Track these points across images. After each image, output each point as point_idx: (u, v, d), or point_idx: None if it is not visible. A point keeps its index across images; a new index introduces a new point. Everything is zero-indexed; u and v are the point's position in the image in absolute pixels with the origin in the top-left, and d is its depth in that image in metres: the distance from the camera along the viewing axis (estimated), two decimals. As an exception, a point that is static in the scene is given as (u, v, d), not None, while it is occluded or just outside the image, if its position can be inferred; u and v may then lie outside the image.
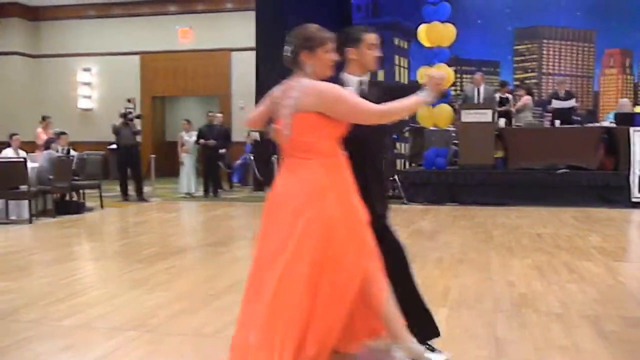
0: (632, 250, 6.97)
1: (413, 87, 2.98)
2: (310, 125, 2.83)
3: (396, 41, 14.89)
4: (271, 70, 14.82)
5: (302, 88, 2.88)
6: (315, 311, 2.72)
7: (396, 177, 11.13)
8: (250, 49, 15.53)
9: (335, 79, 3.05)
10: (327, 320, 2.75)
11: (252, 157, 13.30)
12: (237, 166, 14.84)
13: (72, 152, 10.91)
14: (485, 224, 8.38)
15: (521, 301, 4.43)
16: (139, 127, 12.35)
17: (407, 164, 13.62)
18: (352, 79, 3.14)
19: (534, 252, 6.33)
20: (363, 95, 3.00)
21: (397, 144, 14.13)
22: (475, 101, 11.46)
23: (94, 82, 18.39)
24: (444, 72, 3.04)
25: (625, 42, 14.65)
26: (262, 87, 15.02)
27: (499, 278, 5.15)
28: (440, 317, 3.67)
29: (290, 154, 2.91)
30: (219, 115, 13.87)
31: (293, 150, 2.89)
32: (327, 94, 2.84)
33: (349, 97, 2.85)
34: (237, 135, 15.09)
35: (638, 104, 13.20)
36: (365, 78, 3.18)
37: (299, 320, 2.68)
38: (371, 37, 3.14)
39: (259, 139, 13.73)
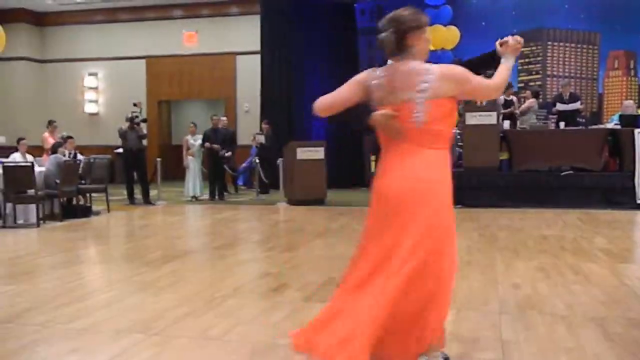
0: (638, 252, 6.96)
1: (489, 58, 3.02)
2: (445, 111, 2.78)
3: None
4: (276, 74, 14.95)
5: (434, 72, 2.77)
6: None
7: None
8: (255, 52, 15.59)
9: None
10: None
11: (257, 160, 13.31)
12: (242, 169, 14.88)
13: (79, 156, 10.97)
14: (490, 225, 8.38)
15: (526, 303, 4.44)
16: (145, 131, 12.39)
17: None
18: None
19: (539, 254, 6.33)
20: None
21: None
22: (477, 103, 11.45)
23: (100, 86, 18.46)
24: (518, 37, 2.98)
25: (630, 44, 14.63)
26: (267, 90, 15.11)
27: (504, 280, 5.16)
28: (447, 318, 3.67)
29: (419, 143, 2.77)
30: (224, 118, 13.90)
31: (421, 139, 2.76)
32: (461, 76, 2.80)
33: (470, 75, 2.83)
34: (243, 139, 15.12)
35: (643, 106, 13.18)
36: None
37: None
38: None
39: (264, 142, 13.76)
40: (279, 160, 11.65)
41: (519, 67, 15.29)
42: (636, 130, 10.17)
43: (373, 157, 14.72)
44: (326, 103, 2.91)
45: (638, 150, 10.07)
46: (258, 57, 15.43)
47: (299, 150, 11.27)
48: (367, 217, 2.89)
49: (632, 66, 14.77)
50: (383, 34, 2.84)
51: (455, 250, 2.86)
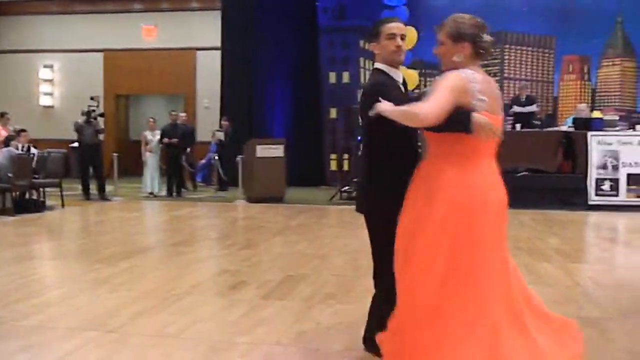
0: (590, 252, 7.14)
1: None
2: None
3: (361, 43, 14.97)
4: (237, 70, 14.87)
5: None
6: None
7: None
8: (216, 48, 15.47)
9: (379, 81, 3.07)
10: None
11: (216, 157, 13.23)
12: (201, 166, 14.75)
13: (33, 150, 10.72)
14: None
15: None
16: (102, 126, 12.18)
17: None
18: (392, 70, 3.15)
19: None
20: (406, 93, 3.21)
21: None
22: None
23: (56, 79, 18.06)
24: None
25: (584, 49, 14.97)
26: (227, 86, 15.01)
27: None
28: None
29: (491, 154, 2.86)
30: (183, 114, 13.77)
31: (492, 150, 2.87)
32: None
33: None
34: (202, 135, 14.99)
35: (595, 109, 13.51)
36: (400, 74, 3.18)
37: None
38: (389, 27, 3.08)
39: (223, 138, 13.67)
40: (238, 157, 11.59)
41: (478, 69, 15.48)
42: (589, 133, 10.42)
43: (333, 156, 14.80)
44: (438, 114, 2.60)
45: (591, 152, 10.32)
46: (218, 53, 15.32)
47: (258, 147, 11.23)
48: (475, 229, 2.71)
49: (585, 70, 15.12)
50: (489, 38, 2.88)
51: None
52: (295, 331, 3.84)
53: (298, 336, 3.74)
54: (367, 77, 13.53)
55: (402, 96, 3.08)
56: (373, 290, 3.29)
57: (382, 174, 3.07)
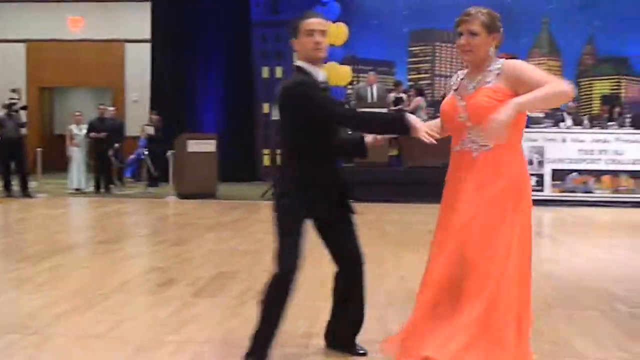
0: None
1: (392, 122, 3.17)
2: None
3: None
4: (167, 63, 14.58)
5: None
6: None
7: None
8: (146, 41, 15.12)
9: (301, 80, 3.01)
10: None
11: (146, 152, 12.93)
12: (130, 161, 14.39)
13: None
14: (380, 220, 8.57)
15: (412, 295, 4.53)
16: (24, 119, 11.71)
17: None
18: (313, 68, 3.05)
19: (425, 247, 6.45)
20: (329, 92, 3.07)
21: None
22: (369, 100, 11.70)
23: (-26, 69, 17.27)
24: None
25: (512, 48, 15.35)
26: (157, 80, 14.71)
27: (391, 273, 5.29)
28: (334, 311, 3.70)
29: None
30: (111, 108, 13.41)
31: None
32: None
33: None
34: (131, 130, 14.64)
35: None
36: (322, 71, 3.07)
37: None
38: (307, 23, 2.95)
39: (153, 133, 13.39)
40: (169, 152, 11.37)
41: (409, 66, 15.74)
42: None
43: (266, 151, 14.73)
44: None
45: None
46: (148, 45, 14.98)
47: (189, 142, 11.06)
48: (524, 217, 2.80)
49: (513, 68, 15.57)
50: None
51: None
52: (226, 328, 3.78)
53: (229, 333, 3.68)
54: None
55: (327, 96, 3.04)
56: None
57: (297, 172, 3.04)
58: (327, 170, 3.09)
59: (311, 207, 3.02)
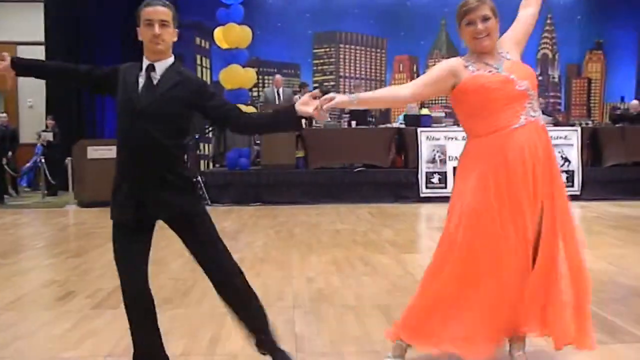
0: (420, 242, 7.51)
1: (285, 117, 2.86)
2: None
3: (198, 41, 14.71)
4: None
5: None
6: None
7: (199, 178, 10.97)
8: (39, 43, 14.44)
9: (136, 63, 2.81)
10: None
11: (43, 160, 12.36)
12: (25, 169, 13.71)
13: None
14: (287, 222, 8.55)
15: (319, 296, 4.57)
16: None
17: (209, 164, 13.52)
18: (144, 62, 2.79)
19: (332, 248, 6.56)
20: (149, 83, 2.73)
21: (200, 144, 13.98)
22: (276, 102, 11.69)
23: None
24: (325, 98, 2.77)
25: (413, 49, 15.84)
26: (53, 84, 14.06)
27: (298, 275, 5.27)
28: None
29: None
30: (3, 115, 12.73)
31: None
32: None
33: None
34: (26, 136, 13.94)
35: (424, 107, 14.30)
36: (161, 63, 2.76)
37: None
38: (147, 12, 2.72)
39: (52, 139, 12.82)
40: (67, 160, 10.90)
41: (314, 68, 15.84)
42: (419, 129, 10.98)
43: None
44: None
45: (421, 147, 10.88)
46: (42, 48, 14.32)
47: (89, 148, 10.64)
48: None
49: (415, 70, 15.99)
50: None
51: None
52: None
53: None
54: (204, 75, 13.27)
55: (150, 96, 2.72)
56: (209, 293, 3.16)
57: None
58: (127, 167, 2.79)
59: (112, 210, 2.86)
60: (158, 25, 2.71)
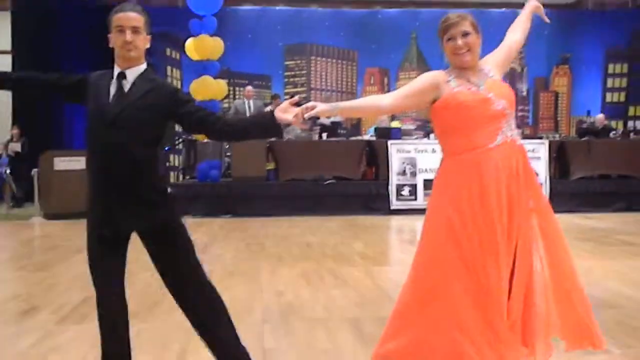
0: (391, 255, 7.52)
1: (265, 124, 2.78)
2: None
3: (168, 51, 14.62)
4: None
5: None
6: None
7: (169, 190, 10.86)
8: (6, 52, 14.21)
9: (107, 71, 2.74)
10: None
11: (8, 172, 12.13)
12: (-10, 182, 13.44)
13: None
14: (258, 235, 8.50)
15: (288, 309, 4.53)
16: None
17: (180, 176, 13.41)
18: (115, 70, 2.72)
19: (302, 260, 6.53)
20: (120, 91, 2.67)
21: (170, 156, 13.87)
22: (247, 114, 11.65)
23: None
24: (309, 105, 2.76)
25: (383, 62, 15.95)
26: (20, 94, 13.82)
27: (268, 288, 5.23)
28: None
29: None
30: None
31: None
32: None
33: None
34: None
35: (395, 119, 14.41)
36: (132, 71, 2.70)
37: None
38: (117, 18, 2.66)
39: (20, 150, 12.60)
40: (34, 171, 10.71)
41: (285, 80, 15.85)
42: (389, 142, 11.03)
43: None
44: None
45: (391, 159, 10.92)
46: (9, 57, 14.09)
47: (56, 160, 10.48)
48: None
49: (385, 82, 16.10)
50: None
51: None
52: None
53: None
54: (173, 83, 13.16)
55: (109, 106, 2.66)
56: (177, 306, 3.08)
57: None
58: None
59: (88, 224, 2.80)
60: (130, 32, 2.64)
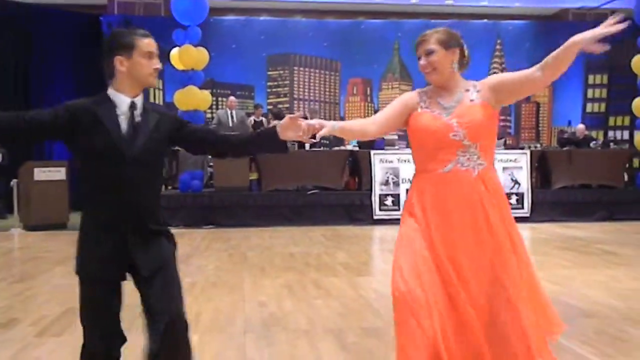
0: (373, 265, 7.51)
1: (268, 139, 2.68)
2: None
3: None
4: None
5: None
6: None
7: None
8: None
9: (101, 99, 2.52)
10: None
11: (-12, 182, 11.99)
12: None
13: None
14: (240, 245, 8.46)
15: (271, 320, 4.51)
16: None
17: (162, 187, 13.33)
18: (121, 98, 2.52)
19: (285, 271, 6.51)
20: (135, 124, 2.50)
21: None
22: (230, 124, 11.63)
23: None
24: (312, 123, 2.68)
25: (366, 72, 16.01)
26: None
27: (250, 299, 5.20)
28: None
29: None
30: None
31: None
32: None
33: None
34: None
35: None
36: (140, 99, 2.56)
37: None
38: (148, 44, 2.53)
39: (1, 160, 12.45)
40: (13, 182, 10.60)
41: (268, 90, 15.85)
42: (372, 152, 11.05)
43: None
44: None
45: (374, 170, 10.95)
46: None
47: (36, 170, 10.37)
48: None
49: (368, 92, 16.15)
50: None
51: None
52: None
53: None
54: (156, 97, 13.07)
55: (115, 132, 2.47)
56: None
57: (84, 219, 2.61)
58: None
59: (87, 266, 2.62)
60: (157, 59, 2.54)
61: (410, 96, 2.82)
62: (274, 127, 2.64)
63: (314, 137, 2.64)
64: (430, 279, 2.55)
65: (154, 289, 2.54)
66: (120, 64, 2.49)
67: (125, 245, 2.50)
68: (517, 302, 2.54)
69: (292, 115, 2.61)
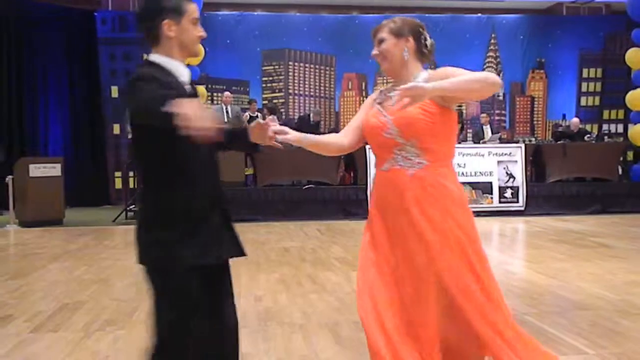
0: (369, 259, 7.52)
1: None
2: None
3: (145, 56, 14.51)
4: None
5: None
6: None
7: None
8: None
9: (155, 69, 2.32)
10: None
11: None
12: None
13: None
14: (236, 240, 8.45)
15: (267, 315, 4.52)
16: None
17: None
18: (176, 66, 2.38)
19: (280, 265, 6.53)
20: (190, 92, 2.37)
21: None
22: (225, 119, 11.63)
23: None
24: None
25: (361, 67, 15.99)
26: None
27: (246, 293, 5.21)
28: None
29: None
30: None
31: None
32: None
33: None
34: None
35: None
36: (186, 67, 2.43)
37: None
38: (195, 9, 2.39)
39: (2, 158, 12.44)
40: (8, 178, 10.57)
41: (263, 85, 15.84)
42: (367, 147, 11.05)
43: (118, 174, 14.14)
44: None
45: (369, 164, 10.96)
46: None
47: (32, 166, 10.36)
48: None
49: (363, 87, 16.15)
50: (430, 39, 2.71)
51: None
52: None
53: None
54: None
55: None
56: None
57: (164, 208, 2.32)
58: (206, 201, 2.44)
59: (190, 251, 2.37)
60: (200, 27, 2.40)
61: (370, 97, 2.79)
62: (246, 128, 2.60)
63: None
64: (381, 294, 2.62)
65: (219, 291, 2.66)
66: (169, 28, 2.31)
67: (228, 223, 2.60)
68: (462, 303, 2.45)
69: (262, 122, 2.54)
